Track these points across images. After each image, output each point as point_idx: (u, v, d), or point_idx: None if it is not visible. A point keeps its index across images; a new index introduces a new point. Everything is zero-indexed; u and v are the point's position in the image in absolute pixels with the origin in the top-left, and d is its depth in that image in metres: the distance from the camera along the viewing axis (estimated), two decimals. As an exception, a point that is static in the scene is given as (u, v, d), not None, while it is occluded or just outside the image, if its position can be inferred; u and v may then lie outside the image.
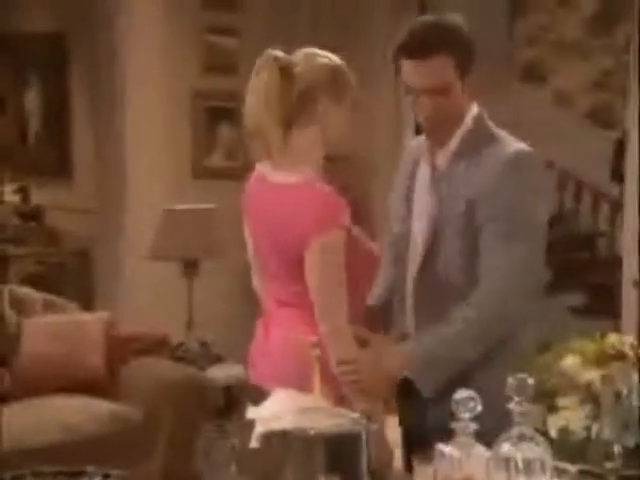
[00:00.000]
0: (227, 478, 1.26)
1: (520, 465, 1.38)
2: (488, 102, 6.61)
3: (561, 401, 1.54)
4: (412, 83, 1.88)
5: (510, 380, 1.39)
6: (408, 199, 2.02)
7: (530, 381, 1.40)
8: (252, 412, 1.26)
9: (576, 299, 6.01)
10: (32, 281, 4.51)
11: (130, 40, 4.97)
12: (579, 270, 6.08)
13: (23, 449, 2.94)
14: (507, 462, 1.38)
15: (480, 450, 1.40)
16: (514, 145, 1.94)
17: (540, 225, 1.94)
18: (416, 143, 2.11)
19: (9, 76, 5.98)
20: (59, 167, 5.72)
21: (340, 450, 1.24)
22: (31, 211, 5.75)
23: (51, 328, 3.33)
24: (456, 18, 1.99)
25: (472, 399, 1.39)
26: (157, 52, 4.95)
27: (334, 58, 1.99)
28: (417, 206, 1.99)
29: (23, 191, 5.86)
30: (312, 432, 1.22)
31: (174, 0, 5.00)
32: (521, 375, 1.41)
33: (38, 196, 5.85)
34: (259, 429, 1.24)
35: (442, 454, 1.39)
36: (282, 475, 1.24)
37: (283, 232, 1.89)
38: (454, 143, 1.95)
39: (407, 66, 1.88)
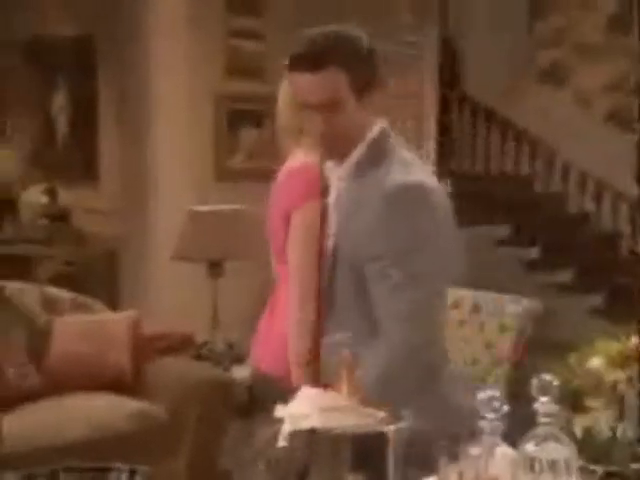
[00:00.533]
0: (255, 476, 1.26)
1: (545, 465, 1.36)
2: (509, 103, 6.55)
3: (587, 402, 1.52)
4: (301, 97, 1.75)
5: (535, 380, 1.38)
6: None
7: (555, 382, 1.39)
8: (279, 411, 1.26)
9: (597, 300, 5.96)
10: (59, 281, 4.54)
11: (156, 44, 5.00)
12: (600, 271, 6.02)
13: (51, 446, 2.96)
14: (532, 462, 1.37)
15: (505, 450, 1.38)
16: (402, 176, 1.73)
17: (426, 272, 1.72)
18: None
19: (38, 79, 6.03)
20: (86, 169, 5.76)
21: (366, 449, 1.23)
22: (59, 212, 5.80)
23: (79, 327, 3.35)
24: (354, 30, 1.80)
25: (497, 399, 1.37)
26: (182, 56, 4.97)
27: None
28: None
29: (51, 192, 5.91)
30: (338, 431, 1.22)
31: (199, 4, 5.02)
32: (546, 375, 1.40)
33: (65, 197, 5.90)
34: (286, 428, 1.23)
35: (467, 454, 1.38)
36: (308, 474, 1.23)
37: (279, 211, 1.98)
38: (348, 165, 1.79)
39: (297, 79, 1.74)
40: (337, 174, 1.82)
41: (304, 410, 1.24)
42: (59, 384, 3.20)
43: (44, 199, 5.97)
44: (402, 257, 1.70)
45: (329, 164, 1.86)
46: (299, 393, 1.28)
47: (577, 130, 6.55)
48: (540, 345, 2.96)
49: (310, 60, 1.72)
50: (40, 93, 6.07)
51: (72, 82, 5.86)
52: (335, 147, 1.77)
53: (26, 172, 6.20)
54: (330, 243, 1.80)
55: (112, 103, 5.54)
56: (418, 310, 1.70)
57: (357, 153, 1.78)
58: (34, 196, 6.05)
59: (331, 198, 1.83)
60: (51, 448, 2.92)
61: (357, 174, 1.77)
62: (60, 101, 6.01)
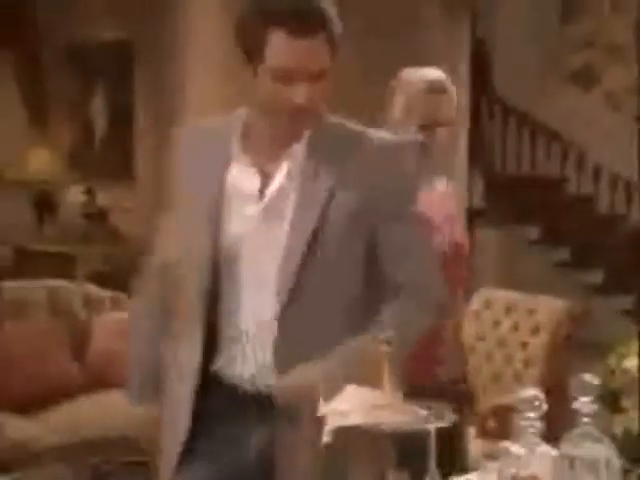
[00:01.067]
0: (299, 473, 1.26)
1: (585, 465, 1.35)
2: (540, 105, 6.48)
3: (625, 402, 1.51)
4: (289, 64, 1.45)
5: (575, 380, 1.37)
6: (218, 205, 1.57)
7: (595, 381, 1.38)
8: (323, 407, 1.26)
9: (627, 301, 5.91)
10: (97, 279, 4.58)
11: (192, 48, 5.03)
12: (630, 272, 5.96)
13: (93, 439, 2.99)
14: (572, 462, 1.36)
15: (546, 449, 1.38)
16: (385, 135, 1.61)
17: (425, 224, 1.66)
18: (230, 126, 1.60)
19: (78, 84, 6.11)
20: (123, 170, 5.83)
21: (409, 447, 1.23)
22: (97, 212, 5.87)
23: (119, 325, 3.37)
24: None
25: (537, 398, 1.37)
26: (217, 60, 5.00)
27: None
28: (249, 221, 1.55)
29: (89, 192, 5.98)
30: (382, 428, 1.22)
31: (235, 7, 5.04)
32: (586, 375, 1.39)
33: (103, 197, 5.96)
34: (330, 424, 1.24)
35: (508, 452, 1.38)
36: (352, 470, 1.24)
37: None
38: (304, 141, 1.55)
39: (284, 44, 1.44)
40: (287, 155, 1.55)
41: (347, 407, 1.25)
42: (100, 380, 3.23)
43: (82, 199, 6.04)
44: (409, 210, 1.58)
45: (226, 128, 1.59)
46: (344, 391, 1.28)
47: (608, 131, 6.49)
48: (574, 345, 2.94)
49: (307, 22, 1.44)
50: (80, 96, 6.15)
51: (110, 86, 5.93)
52: (301, 124, 1.53)
53: (65, 173, 6.28)
54: (301, 227, 1.52)
55: (148, 106, 5.59)
56: (436, 267, 1.60)
57: (314, 130, 1.55)
58: (73, 196, 6.12)
59: (280, 181, 1.55)
60: (93, 442, 2.95)
61: (311, 153, 1.54)
62: (98, 104, 6.08)
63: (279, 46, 1.45)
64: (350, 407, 1.24)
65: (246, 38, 1.49)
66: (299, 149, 1.55)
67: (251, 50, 1.49)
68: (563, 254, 6.34)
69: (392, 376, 1.26)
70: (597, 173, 6.57)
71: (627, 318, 5.67)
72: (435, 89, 1.98)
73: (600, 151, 6.47)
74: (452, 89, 2.00)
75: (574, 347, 2.96)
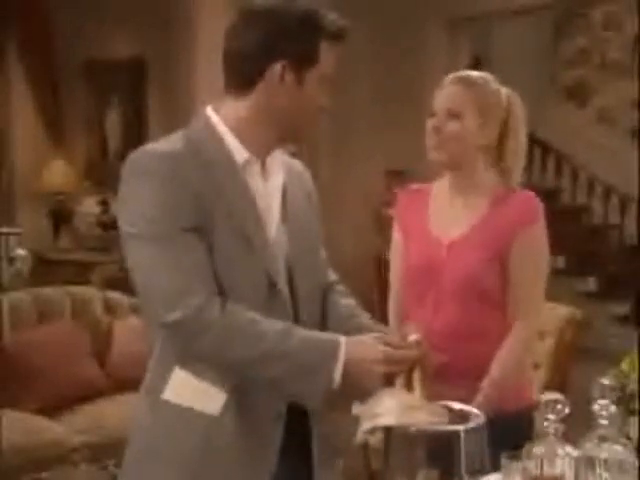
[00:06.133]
0: (333, 472, 1.26)
1: (605, 465, 1.36)
2: (535, 120, 6.51)
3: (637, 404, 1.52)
4: (332, 73, 1.47)
5: (594, 384, 1.38)
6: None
7: (614, 385, 1.38)
8: (357, 409, 1.26)
9: (622, 307, 5.91)
10: (113, 285, 4.57)
11: (204, 64, 5.04)
12: (625, 280, 5.97)
13: (115, 439, 2.98)
14: (592, 462, 1.36)
15: (567, 450, 1.38)
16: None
17: None
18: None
19: (94, 99, 6.11)
20: (137, 181, 5.82)
21: (440, 447, 1.23)
22: (111, 222, 5.87)
23: (138, 329, 3.37)
24: None
25: (559, 401, 1.37)
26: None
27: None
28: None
29: (104, 204, 5.98)
30: (413, 429, 1.23)
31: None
32: (605, 379, 1.40)
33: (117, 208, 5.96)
34: (364, 426, 1.24)
35: (530, 453, 1.38)
36: (385, 469, 1.24)
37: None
38: (281, 153, 1.55)
39: (333, 55, 1.45)
40: (276, 163, 1.52)
41: (380, 408, 1.25)
42: (121, 383, 3.22)
43: (98, 210, 6.04)
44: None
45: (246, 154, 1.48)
46: (377, 392, 1.28)
47: (601, 145, 6.50)
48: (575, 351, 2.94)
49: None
50: (95, 111, 6.16)
51: (125, 100, 5.94)
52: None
53: (81, 185, 6.28)
54: (285, 247, 1.47)
55: (161, 120, 5.60)
56: None
57: None
58: (89, 207, 6.12)
59: (274, 191, 1.50)
60: (116, 442, 2.94)
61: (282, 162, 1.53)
62: (113, 118, 6.09)
63: (332, 56, 1.45)
64: (384, 408, 1.24)
65: (300, 47, 1.43)
66: (280, 158, 1.53)
67: (303, 56, 1.43)
68: (559, 262, 6.35)
69: (424, 378, 1.27)
70: (591, 185, 6.58)
71: (622, 324, 5.68)
72: (452, 82, 1.89)
73: (594, 164, 6.48)
74: (479, 86, 1.88)
75: (576, 352, 2.96)
